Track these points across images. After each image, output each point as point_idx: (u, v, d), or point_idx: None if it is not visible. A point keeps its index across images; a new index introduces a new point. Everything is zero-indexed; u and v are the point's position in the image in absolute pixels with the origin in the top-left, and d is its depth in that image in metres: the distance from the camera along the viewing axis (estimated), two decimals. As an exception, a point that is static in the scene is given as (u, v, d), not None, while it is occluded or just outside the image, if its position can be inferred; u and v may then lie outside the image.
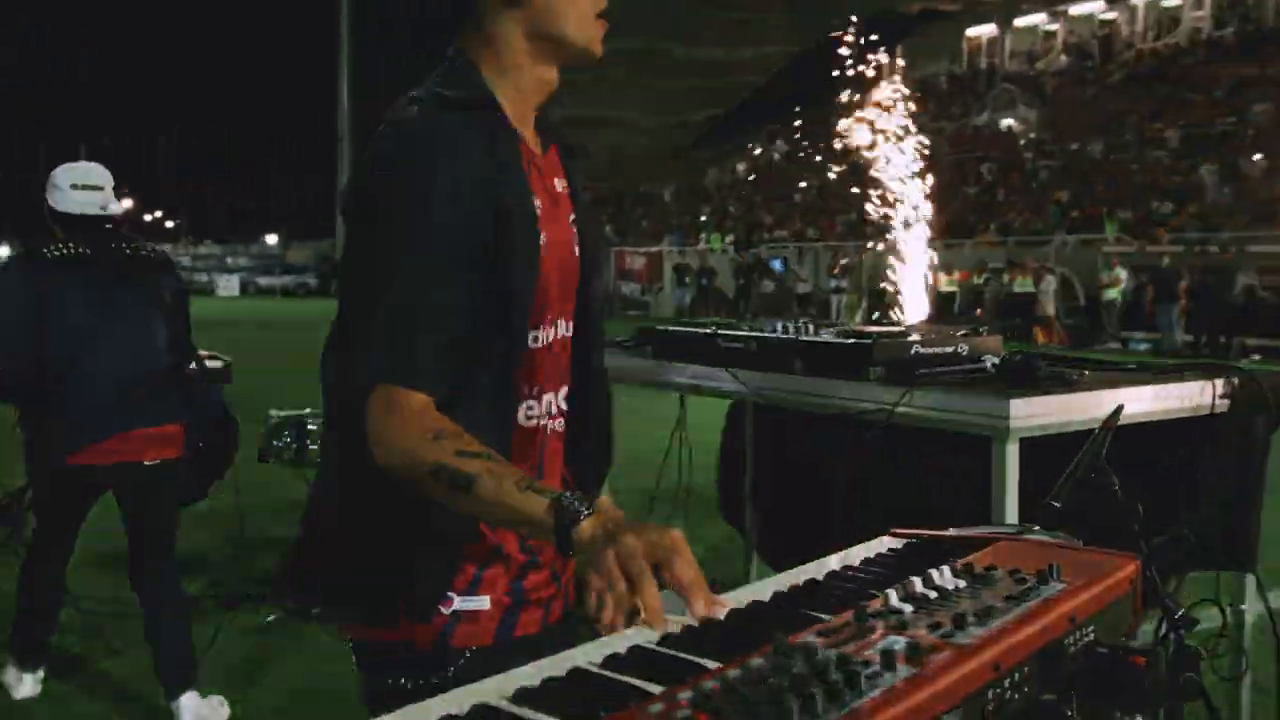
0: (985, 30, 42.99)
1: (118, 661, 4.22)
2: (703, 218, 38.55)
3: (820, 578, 1.32)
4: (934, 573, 1.23)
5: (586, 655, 1.06)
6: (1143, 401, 2.75)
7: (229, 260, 45.25)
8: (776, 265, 29.37)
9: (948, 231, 24.29)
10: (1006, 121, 36.03)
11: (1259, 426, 2.96)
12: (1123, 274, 20.01)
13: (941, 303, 20.06)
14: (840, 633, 1.07)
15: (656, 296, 32.60)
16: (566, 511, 1.26)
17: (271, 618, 4.52)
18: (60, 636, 4.17)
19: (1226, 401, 2.89)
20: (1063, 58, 39.46)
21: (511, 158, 1.56)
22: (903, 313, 9.18)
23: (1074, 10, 39.88)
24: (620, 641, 1.10)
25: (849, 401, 2.93)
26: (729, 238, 34.40)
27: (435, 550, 1.52)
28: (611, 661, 1.04)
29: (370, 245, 1.50)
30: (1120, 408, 2.26)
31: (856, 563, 1.39)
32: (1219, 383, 2.90)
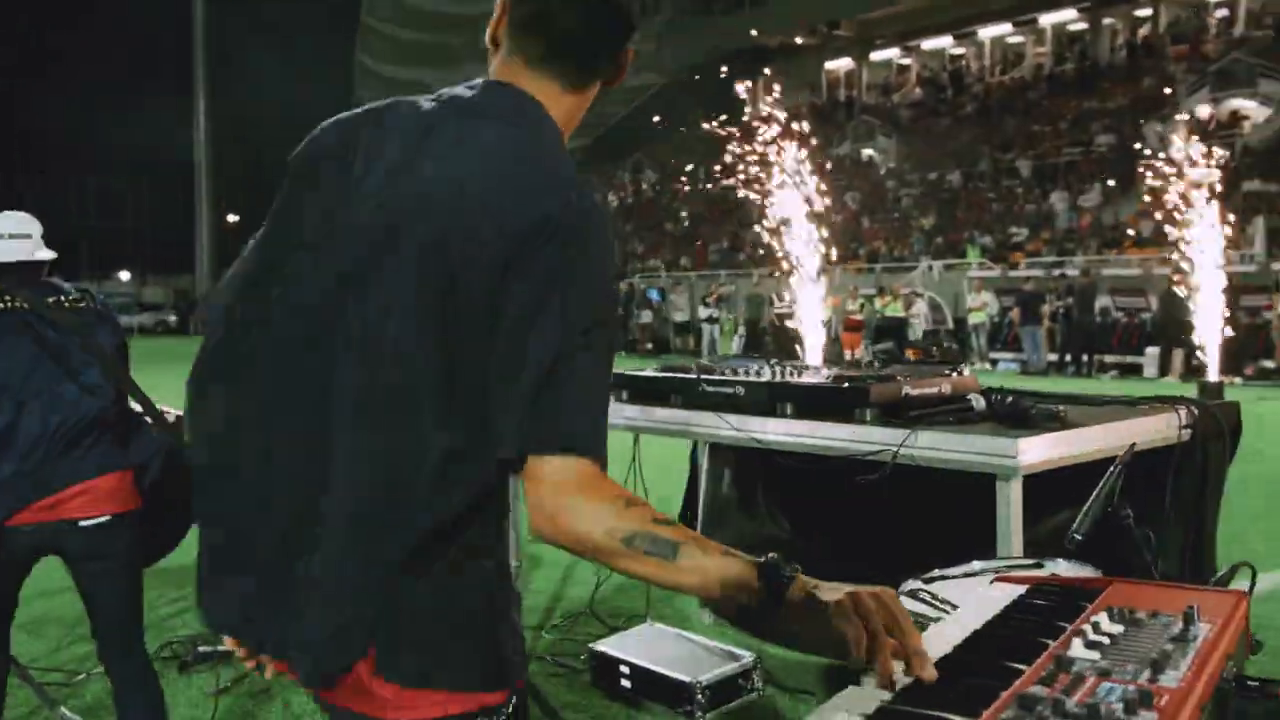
0: (842, 64, 44.50)
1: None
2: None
3: (979, 627, 1.43)
4: (1099, 619, 1.35)
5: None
6: (1126, 435, 2.94)
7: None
8: (653, 295, 29.69)
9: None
10: (867, 151, 37.34)
11: (1215, 455, 3.19)
12: (989, 297, 20.95)
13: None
14: (1056, 680, 1.18)
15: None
16: (777, 573, 1.31)
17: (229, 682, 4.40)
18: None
19: (1189, 431, 3.12)
20: (917, 90, 41.13)
21: None
22: (802, 344, 9.36)
23: (925, 45, 41.64)
24: (855, 704, 1.18)
25: (849, 444, 3.05)
26: (603, 267, 34.69)
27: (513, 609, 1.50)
28: (871, 722, 1.12)
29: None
30: (1133, 446, 2.44)
31: (999, 610, 1.50)
32: (1181, 413, 3.13)
